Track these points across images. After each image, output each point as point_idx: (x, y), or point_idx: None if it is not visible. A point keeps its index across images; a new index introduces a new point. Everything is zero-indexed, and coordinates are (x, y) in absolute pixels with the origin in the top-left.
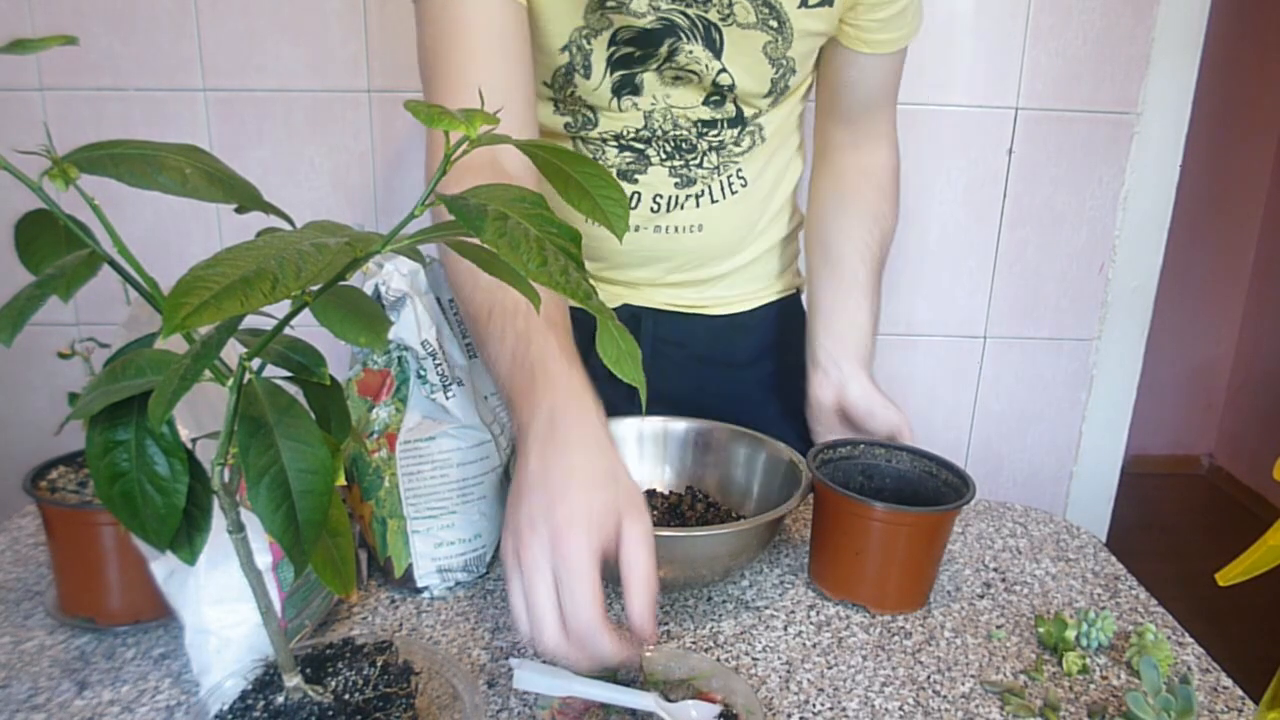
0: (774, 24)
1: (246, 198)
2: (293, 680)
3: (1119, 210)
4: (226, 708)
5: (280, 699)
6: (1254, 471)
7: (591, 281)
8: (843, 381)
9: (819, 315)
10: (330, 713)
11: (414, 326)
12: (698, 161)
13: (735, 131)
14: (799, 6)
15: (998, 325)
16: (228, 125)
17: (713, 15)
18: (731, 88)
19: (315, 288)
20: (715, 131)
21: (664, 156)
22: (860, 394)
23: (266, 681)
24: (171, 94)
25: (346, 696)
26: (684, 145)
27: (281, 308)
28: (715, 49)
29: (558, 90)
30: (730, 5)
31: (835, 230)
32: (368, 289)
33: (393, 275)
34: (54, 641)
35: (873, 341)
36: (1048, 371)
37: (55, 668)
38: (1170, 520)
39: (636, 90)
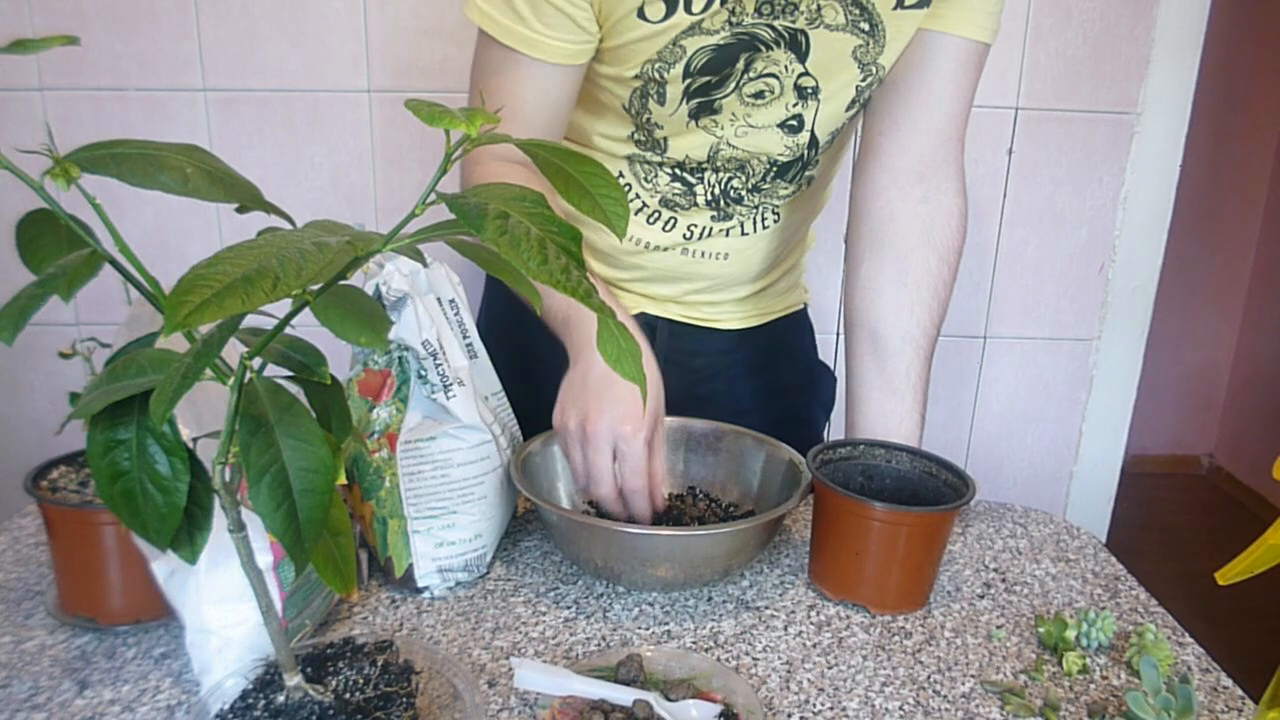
0: (865, 26)
1: (247, 197)
2: (293, 679)
3: (1119, 210)
4: (227, 707)
5: (281, 698)
6: (1254, 471)
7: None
8: None
9: (862, 419)
10: (331, 712)
11: (415, 326)
12: (739, 201)
13: (787, 186)
14: (894, 8)
15: (998, 325)
16: (228, 125)
17: (800, 23)
18: (815, 91)
19: (316, 287)
20: (766, 185)
21: (709, 199)
22: None
23: (267, 681)
24: (171, 94)
25: (347, 696)
26: (730, 193)
27: (282, 307)
28: (800, 52)
29: (635, 114)
30: (819, 9)
31: (890, 315)
32: (368, 289)
33: (393, 275)
34: (55, 641)
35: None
36: (1048, 371)
37: (56, 667)
38: (1170, 520)
39: (716, 112)
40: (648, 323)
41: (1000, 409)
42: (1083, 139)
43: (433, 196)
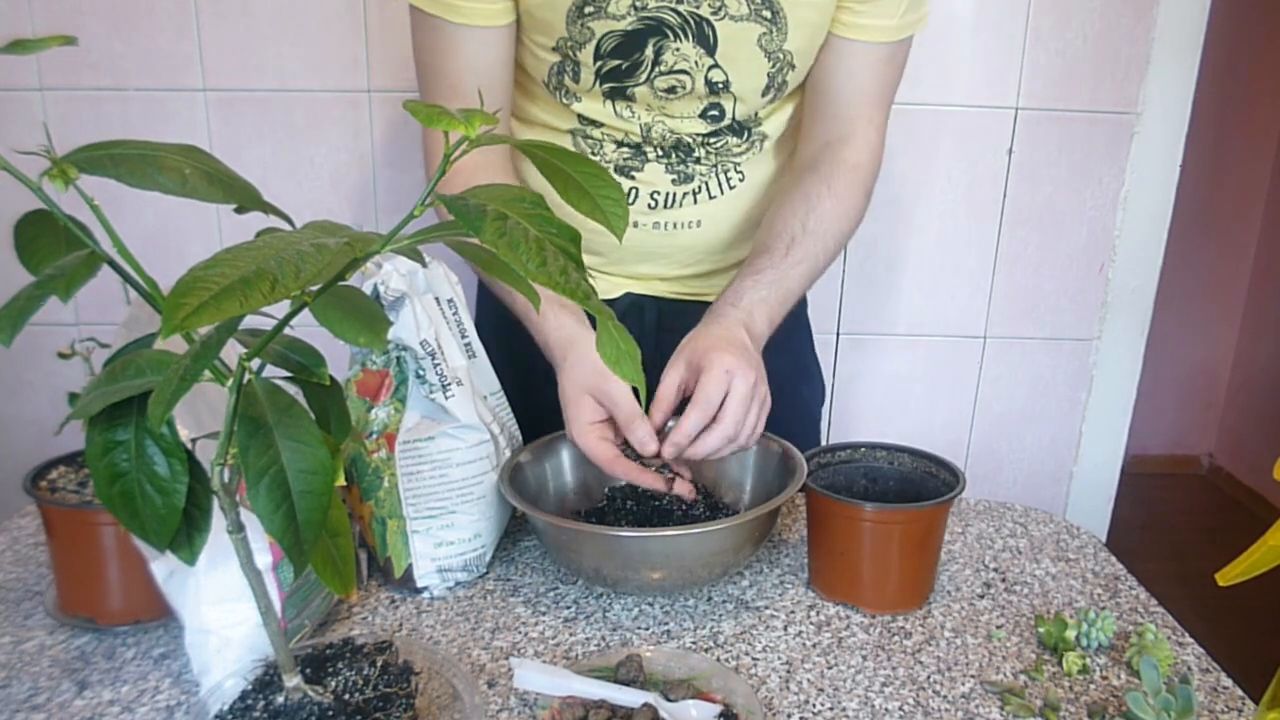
0: (767, 14)
1: (246, 198)
2: (293, 680)
3: (1119, 210)
4: (226, 708)
5: (280, 699)
6: (1254, 471)
7: (592, 274)
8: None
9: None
10: (330, 713)
11: (413, 326)
12: (695, 158)
13: (738, 140)
14: None
15: (998, 325)
16: (228, 125)
17: (704, 10)
18: (726, 85)
19: (315, 288)
20: (717, 140)
21: (660, 154)
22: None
23: (266, 681)
24: (171, 94)
25: (346, 696)
26: (682, 146)
27: (281, 308)
28: (709, 45)
29: (553, 90)
30: None
31: (765, 216)
32: (366, 289)
33: (391, 275)
34: (54, 641)
35: (765, 311)
36: (1048, 371)
37: (55, 668)
38: (1170, 520)
39: (630, 99)
40: (634, 303)
41: (1000, 409)
42: (1083, 139)
43: (431, 198)
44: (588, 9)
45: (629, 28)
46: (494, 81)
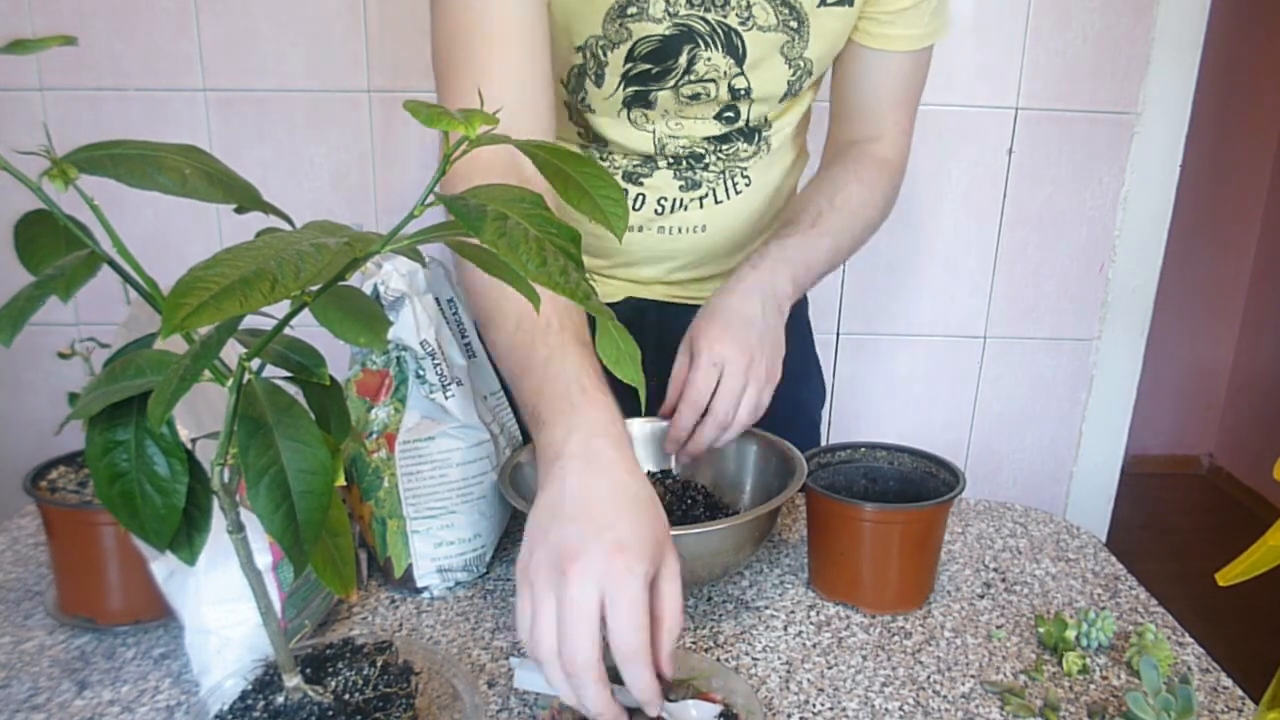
0: (793, 24)
1: (246, 198)
2: (293, 680)
3: (1119, 210)
4: (226, 708)
5: (280, 699)
6: (1254, 471)
7: (593, 278)
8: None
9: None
10: (330, 713)
11: (413, 326)
12: (705, 164)
13: (748, 145)
14: (818, 5)
15: (998, 325)
16: (228, 125)
17: (732, 20)
18: (747, 92)
19: (315, 288)
20: (727, 145)
21: (670, 163)
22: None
23: (266, 681)
24: (171, 94)
25: (346, 696)
26: (692, 155)
27: (281, 308)
28: (738, 56)
29: (571, 92)
30: (749, 7)
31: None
32: (366, 289)
33: (391, 275)
34: (54, 641)
35: (787, 271)
36: (1048, 371)
37: (55, 668)
38: (1170, 520)
39: (649, 105)
40: (635, 306)
41: (1000, 409)
42: (1083, 139)
43: (431, 198)
44: (630, 9)
45: (665, 32)
46: (528, 33)
